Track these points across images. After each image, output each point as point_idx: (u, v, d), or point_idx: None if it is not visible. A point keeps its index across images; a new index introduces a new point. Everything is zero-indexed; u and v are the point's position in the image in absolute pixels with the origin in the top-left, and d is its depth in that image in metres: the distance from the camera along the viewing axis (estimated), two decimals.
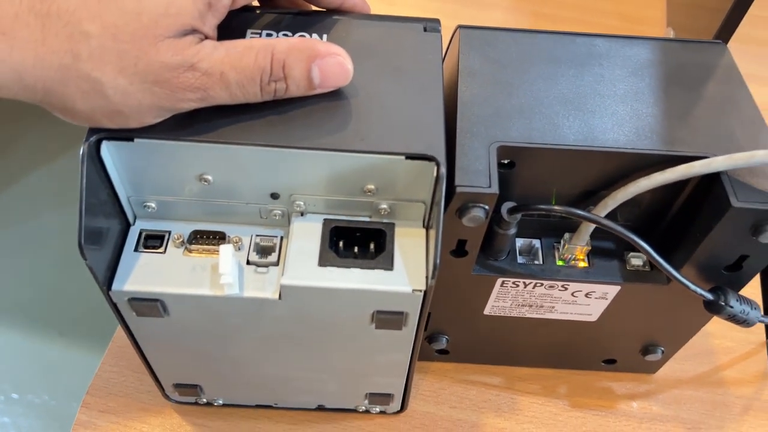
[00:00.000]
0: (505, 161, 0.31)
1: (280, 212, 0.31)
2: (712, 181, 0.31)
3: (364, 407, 0.42)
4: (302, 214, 0.31)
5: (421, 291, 0.29)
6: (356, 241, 0.31)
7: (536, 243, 0.36)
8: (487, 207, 0.30)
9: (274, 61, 0.26)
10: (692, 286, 0.33)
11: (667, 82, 0.34)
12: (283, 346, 0.34)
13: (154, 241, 0.31)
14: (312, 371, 0.37)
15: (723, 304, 0.34)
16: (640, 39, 0.36)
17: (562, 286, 0.36)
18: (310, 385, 0.39)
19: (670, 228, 0.35)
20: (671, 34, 0.69)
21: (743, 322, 0.35)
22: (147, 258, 0.30)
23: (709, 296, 0.34)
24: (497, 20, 0.72)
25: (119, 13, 0.24)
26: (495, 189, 0.29)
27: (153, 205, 0.30)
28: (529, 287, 0.36)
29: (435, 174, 0.28)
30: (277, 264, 0.30)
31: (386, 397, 0.40)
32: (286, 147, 0.27)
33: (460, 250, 0.33)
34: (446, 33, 0.37)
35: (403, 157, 0.28)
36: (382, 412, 0.43)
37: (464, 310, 0.39)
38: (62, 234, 1.21)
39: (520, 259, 0.36)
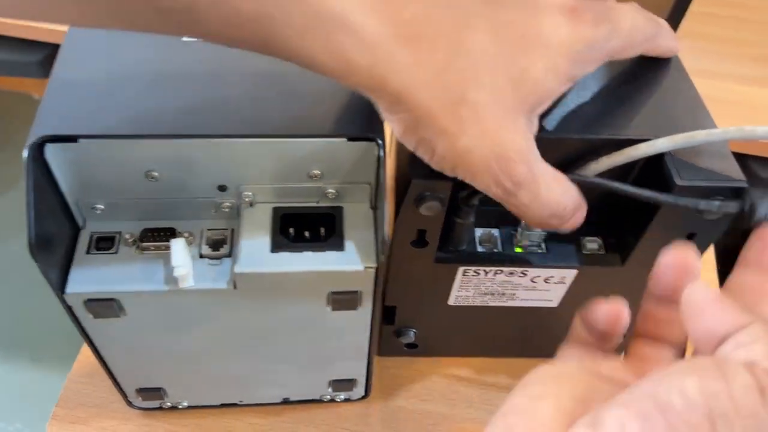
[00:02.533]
0: None
1: (229, 204, 0.31)
2: (658, 162, 0.32)
3: (329, 396, 0.42)
4: (251, 205, 0.31)
5: (372, 267, 0.30)
6: (307, 227, 0.31)
7: (495, 232, 0.37)
8: (442, 195, 0.30)
9: None
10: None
11: (611, 71, 0.36)
12: (242, 338, 0.34)
13: (105, 242, 0.31)
14: (274, 362, 0.37)
15: None
16: None
17: (522, 272, 0.36)
18: (273, 377, 0.39)
19: (621, 211, 0.36)
20: None
21: None
22: (99, 259, 0.30)
23: None
24: None
25: (506, 79, 0.24)
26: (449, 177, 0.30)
27: (101, 206, 0.30)
28: (490, 275, 0.37)
29: (377, 154, 0.29)
30: (229, 255, 0.31)
31: (349, 383, 0.40)
32: (229, 137, 0.28)
33: (420, 240, 0.34)
34: None
35: (345, 139, 0.28)
36: (347, 399, 0.43)
37: (429, 302, 0.40)
38: (30, 258, 1.19)
39: (480, 248, 0.37)
